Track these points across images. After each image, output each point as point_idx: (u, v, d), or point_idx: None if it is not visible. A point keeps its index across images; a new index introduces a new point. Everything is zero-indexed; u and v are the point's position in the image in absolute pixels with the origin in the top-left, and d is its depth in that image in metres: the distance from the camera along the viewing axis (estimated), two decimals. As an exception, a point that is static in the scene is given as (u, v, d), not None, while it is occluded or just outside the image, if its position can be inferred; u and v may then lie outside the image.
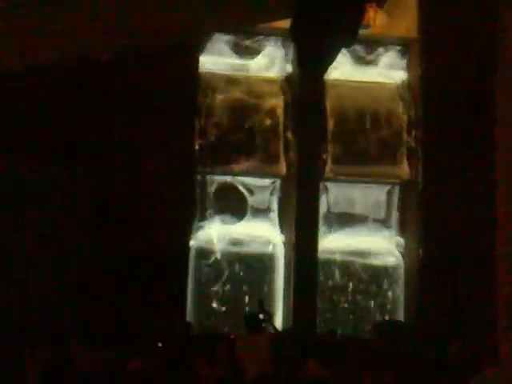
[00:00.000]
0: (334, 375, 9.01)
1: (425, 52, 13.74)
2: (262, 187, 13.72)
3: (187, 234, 13.03)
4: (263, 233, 13.61)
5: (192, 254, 13.22)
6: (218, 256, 13.45)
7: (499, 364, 5.79)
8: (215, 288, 13.40)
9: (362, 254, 13.80)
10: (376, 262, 13.82)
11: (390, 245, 13.91)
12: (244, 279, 13.50)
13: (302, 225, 13.27)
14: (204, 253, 13.41)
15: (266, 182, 13.73)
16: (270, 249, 13.60)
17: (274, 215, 13.64)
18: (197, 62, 13.32)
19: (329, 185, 13.77)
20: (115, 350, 9.55)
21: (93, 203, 12.50)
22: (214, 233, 13.40)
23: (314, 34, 10.85)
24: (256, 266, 13.56)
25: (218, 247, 13.44)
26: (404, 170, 13.93)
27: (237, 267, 13.52)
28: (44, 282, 12.04)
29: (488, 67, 13.47)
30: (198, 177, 13.31)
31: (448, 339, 10.90)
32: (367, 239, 13.80)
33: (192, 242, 13.19)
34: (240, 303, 13.26)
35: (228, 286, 13.45)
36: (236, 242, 13.51)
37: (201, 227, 13.35)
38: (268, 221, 13.63)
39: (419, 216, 13.57)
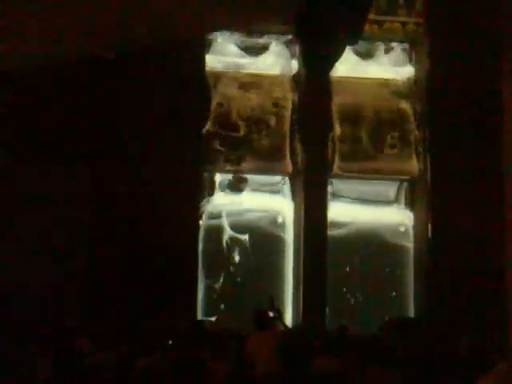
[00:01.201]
0: (343, 371, 8.99)
1: (431, 48, 13.74)
2: (271, 184, 13.78)
3: (194, 231, 13.07)
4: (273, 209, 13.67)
5: (200, 245, 13.28)
6: (228, 240, 13.53)
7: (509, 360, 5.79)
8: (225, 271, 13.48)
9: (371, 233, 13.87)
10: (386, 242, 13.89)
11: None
12: (254, 258, 13.57)
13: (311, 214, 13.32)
14: (213, 233, 13.47)
15: (276, 178, 13.79)
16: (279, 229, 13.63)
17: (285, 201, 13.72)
18: (203, 60, 13.33)
19: (336, 182, 13.81)
20: (125, 348, 9.55)
21: (99, 200, 12.54)
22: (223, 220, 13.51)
23: (319, 33, 10.87)
24: (266, 246, 13.61)
25: (228, 232, 13.52)
26: (412, 166, 13.93)
27: (246, 248, 13.59)
28: (51, 280, 12.08)
29: (495, 62, 13.55)
30: (205, 175, 13.36)
31: (457, 335, 10.91)
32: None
33: (200, 235, 13.27)
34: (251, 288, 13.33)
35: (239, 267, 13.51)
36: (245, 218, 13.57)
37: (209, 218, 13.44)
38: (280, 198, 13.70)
39: (428, 212, 13.60)
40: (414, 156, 13.93)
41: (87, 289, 12.25)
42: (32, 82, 11.81)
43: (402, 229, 14.03)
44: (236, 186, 13.53)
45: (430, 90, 13.76)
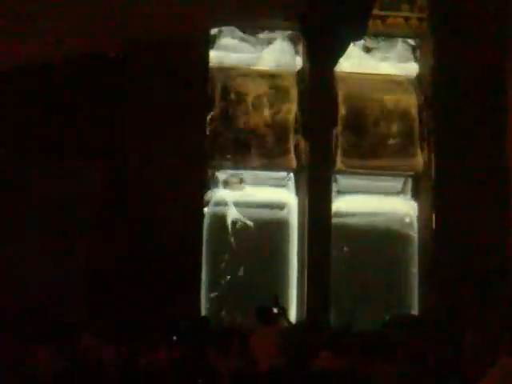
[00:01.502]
0: (347, 367, 8.99)
1: (436, 44, 13.71)
2: (275, 178, 13.80)
3: (198, 231, 13.08)
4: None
5: (205, 239, 13.29)
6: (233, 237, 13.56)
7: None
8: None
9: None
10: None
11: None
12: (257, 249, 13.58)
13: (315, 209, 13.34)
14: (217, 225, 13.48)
15: (281, 174, 13.80)
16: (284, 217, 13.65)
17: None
18: (206, 56, 13.32)
19: (340, 177, 13.81)
20: (128, 345, 9.56)
21: (105, 195, 12.58)
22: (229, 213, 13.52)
23: (324, 28, 10.84)
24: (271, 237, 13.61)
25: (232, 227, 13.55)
26: (417, 162, 13.93)
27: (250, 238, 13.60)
28: (55, 276, 12.12)
29: (500, 58, 13.53)
30: (210, 172, 13.37)
31: (461, 329, 10.91)
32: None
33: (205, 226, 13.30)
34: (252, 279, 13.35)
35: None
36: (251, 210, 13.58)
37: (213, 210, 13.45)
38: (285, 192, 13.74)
39: (432, 203, 13.64)
40: (418, 151, 13.91)
41: (98, 283, 12.30)
42: (32, 82, 11.83)
43: (407, 219, 14.06)
44: (236, 184, 13.55)
45: (434, 85, 13.75)
